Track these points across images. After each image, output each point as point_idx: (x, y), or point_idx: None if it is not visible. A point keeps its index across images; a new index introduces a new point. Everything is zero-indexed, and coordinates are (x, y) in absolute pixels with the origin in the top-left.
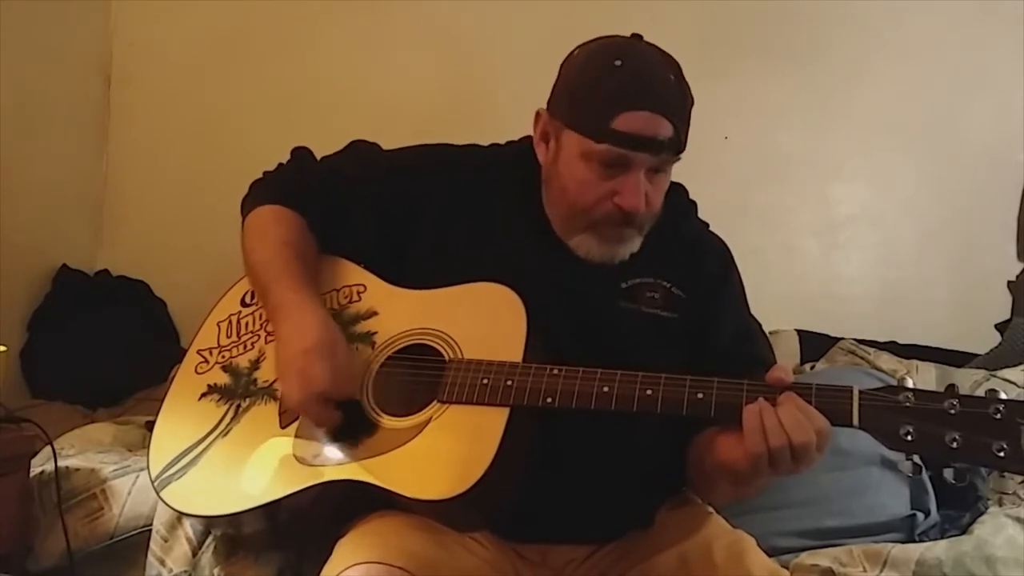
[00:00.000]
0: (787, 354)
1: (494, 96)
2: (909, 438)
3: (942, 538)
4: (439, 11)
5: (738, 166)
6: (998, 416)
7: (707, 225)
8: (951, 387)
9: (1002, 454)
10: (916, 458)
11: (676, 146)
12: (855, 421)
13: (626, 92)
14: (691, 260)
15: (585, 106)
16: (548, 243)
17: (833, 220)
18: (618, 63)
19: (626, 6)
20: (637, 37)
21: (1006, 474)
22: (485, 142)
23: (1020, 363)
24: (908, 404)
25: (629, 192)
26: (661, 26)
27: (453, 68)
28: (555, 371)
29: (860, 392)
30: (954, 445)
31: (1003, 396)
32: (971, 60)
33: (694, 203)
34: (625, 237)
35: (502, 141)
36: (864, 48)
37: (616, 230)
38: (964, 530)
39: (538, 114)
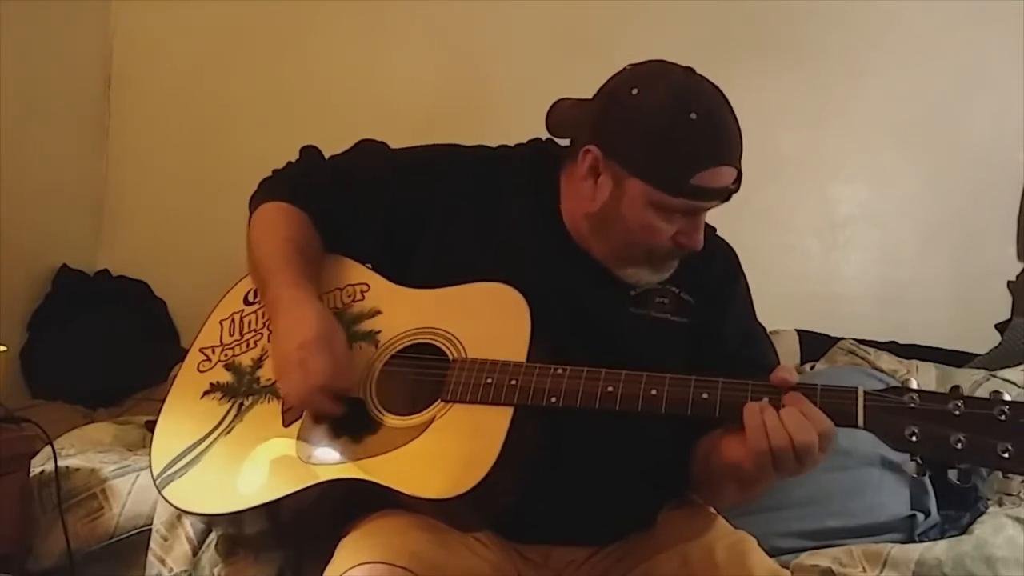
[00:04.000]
0: (787, 354)
1: (494, 96)
2: (914, 439)
3: (942, 538)
4: (439, 11)
5: None
6: (1003, 418)
7: (714, 229)
8: (955, 388)
9: (1007, 455)
10: (920, 459)
11: (738, 187)
12: (860, 422)
13: (705, 150)
14: (699, 264)
15: (661, 161)
16: (560, 247)
17: (833, 220)
18: (693, 116)
19: (626, 6)
20: (690, 71)
21: (1010, 475)
22: (485, 142)
23: (1020, 363)
24: (913, 405)
25: (694, 233)
26: (661, 26)
27: (453, 68)
28: (559, 371)
29: (865, 393)
30: (959, 446)
31: (1007, 398)
32: (971, 60)
33: None
34: (673, 265)
35: (502, 141)
36: (864, 48)
37: (671, 261)
38: (964, 530)
39: (587, 151)
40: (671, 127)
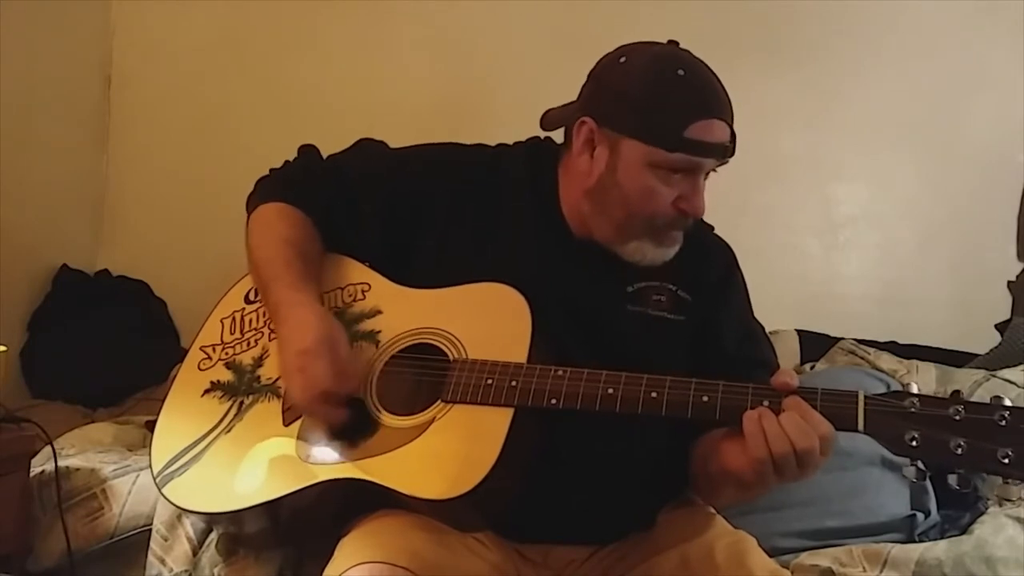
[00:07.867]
0: (787, 354)
1: (494, 96)
2: (914, 443)
3: (942, 538)
4: (439, 11)
5: (738, 166)
6: (1003, 423)
7: (712, 228)
8: (956, 393)
9: (1007, 461)
10: (920, 464)
11: (733, 149)
12: (860, 426)
13: (696, 101)
14: (696, 262)
15: (654, 116)
16: (559, 243)
17: (833, 220)
18: (681, 72)
19: (627, 6)
20: (675, 44)
21: (1010, 481)
22: (485, 142)
23: (1020, 363)
24: (913, 410)
25: (695, 197)
26: (661, 26)
27: (453, 68)
28: (560, 372)
29: (866, 397)
30: (959, 451)
31: (1008, 403)
32: (971, 60)
33: None
34: (677, 239)
35: (502, 141)
36: (864, 48)
37: (673, 233)
38: (964, 530)
39: (582, 122)
40: (661, 83)
